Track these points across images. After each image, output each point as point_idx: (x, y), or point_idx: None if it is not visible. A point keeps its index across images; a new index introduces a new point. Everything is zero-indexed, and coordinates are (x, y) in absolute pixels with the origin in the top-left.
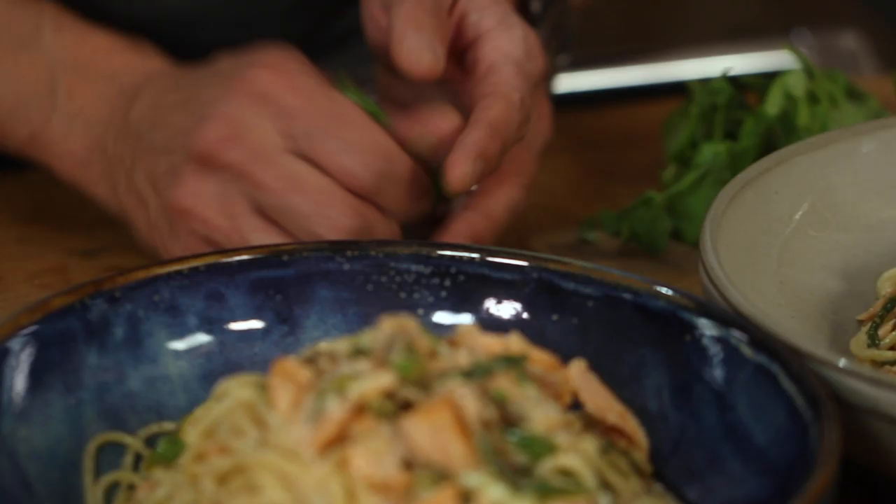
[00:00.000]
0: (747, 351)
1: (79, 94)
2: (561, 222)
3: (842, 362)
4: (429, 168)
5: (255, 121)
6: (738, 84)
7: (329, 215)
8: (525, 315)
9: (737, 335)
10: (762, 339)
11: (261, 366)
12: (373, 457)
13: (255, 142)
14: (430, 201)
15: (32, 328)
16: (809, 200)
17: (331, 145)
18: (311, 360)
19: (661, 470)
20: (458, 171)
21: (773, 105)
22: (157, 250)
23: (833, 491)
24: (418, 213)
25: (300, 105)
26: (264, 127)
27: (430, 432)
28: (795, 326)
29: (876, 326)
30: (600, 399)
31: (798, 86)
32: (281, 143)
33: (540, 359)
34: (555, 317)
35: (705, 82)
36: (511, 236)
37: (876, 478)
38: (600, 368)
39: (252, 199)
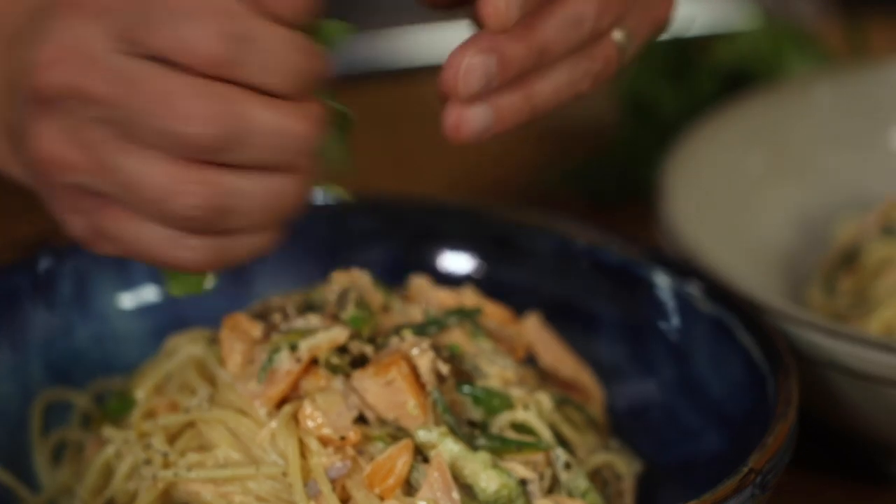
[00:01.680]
0: (703, 303)
1: None
2: (518, 176)
3: (798, 313)
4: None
5: (78, 31)
6: (691, 36)
7: (181, 109)
8: (479, 268)
9: (692, 287)
10: (718, 292)
11: (211, 321)
12: (325, 412)
13: (81, 54)
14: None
15: None
16: (763, 149)
17: (162, 25)
18: (262, 315)
19: (617, 424)
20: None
21: (725, 57)
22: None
23: (790, 444)
24: (309, 82)
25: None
26: (88, 34)
27: (383, 388)
28: (752, 277)
29: (832, 277)
30: (555, 353)
31: (751, 36)
32: (109, 45)
33: (494, 312)
34: (509, 270)
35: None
36: (468, 189)
37: (833, 430)
38: (555, 322)
39: (104, 121)
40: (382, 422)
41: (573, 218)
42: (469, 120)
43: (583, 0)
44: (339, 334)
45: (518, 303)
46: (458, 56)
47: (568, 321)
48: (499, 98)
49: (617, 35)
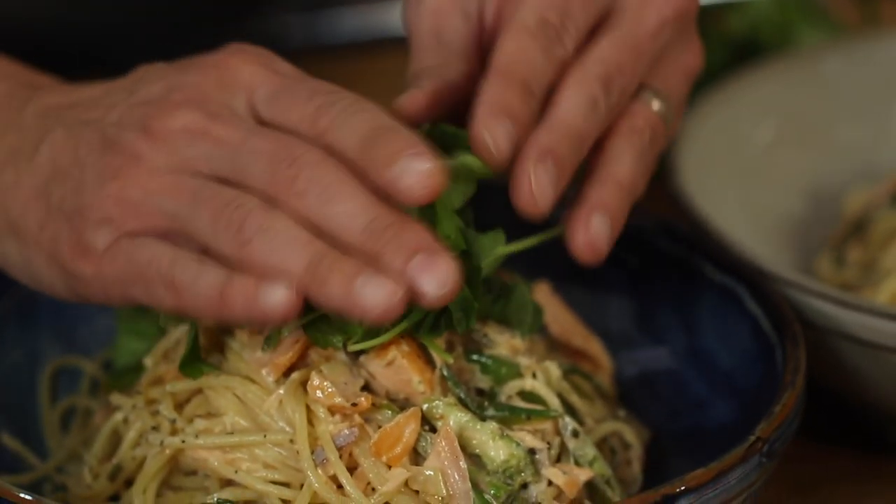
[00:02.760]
0: (712, 272)
1: None
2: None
3: (807, 283)
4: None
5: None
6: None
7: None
8: None
9: (701, 257)
10: (727, 261)
11: None
12: (333, 381)
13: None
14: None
15: None
16: (774, 120)
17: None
18: None
19: (625, 393)
20: (480, 137)
21: (737, 27)
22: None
23: (798, 413)
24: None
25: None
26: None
27: (386, 369)
28: (761, 247)
29: (841, 247)
30: (564, 322)
31: (762, 6)
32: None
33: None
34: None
35: None
36: None
37: (841, 399)
38: (565, 292)
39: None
40: (389, 394)
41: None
42: (598, 236)
43: (589, 82)
44: None
45: (527, 272)
46: (520, 175)
47: (577, 290)
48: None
49: (655, 104)
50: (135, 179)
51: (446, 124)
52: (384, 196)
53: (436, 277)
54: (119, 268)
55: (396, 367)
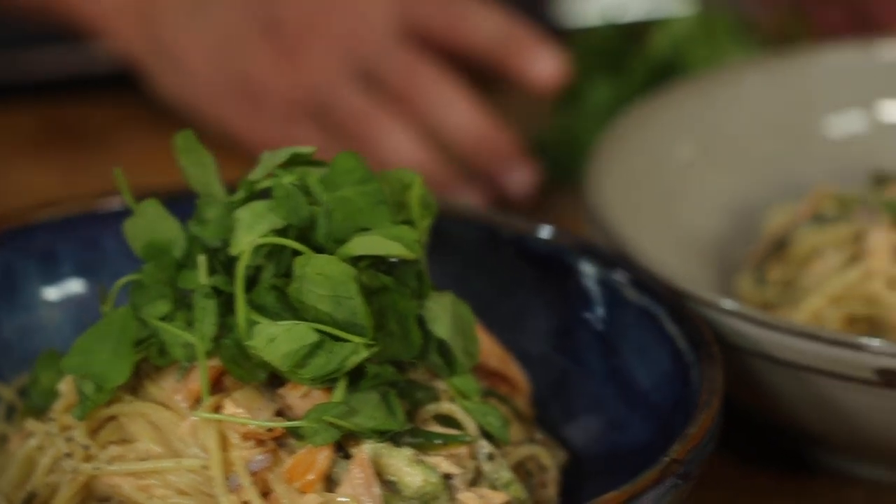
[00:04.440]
0: (630, 293)
1: None
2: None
3: (725, 303)
4: None
5: None
6: (625, 23)
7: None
8: None
9: (619, 277)
10: (645, 281)
11: None
12: (247, 408)
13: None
14: None
15: None
16: (694, 138)
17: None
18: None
19: (543, 414)
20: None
21: (659, 45)
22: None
23: (713, 434)
24: None
25: None
26: None
27: (303, 399)
28: (682, 266)
29: (762, 266)
30: (482, 344)
31: (684, 25)
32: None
33: None
34: (435, 260)
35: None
36: None
37: (762, 419)
38: (482, 312)
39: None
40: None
41: (502, 207)
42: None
43: None
44: None
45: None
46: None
47: (495, 312)
48: None
49: None
50: (287, 67)
51: None
52: None
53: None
54: (273, 138)
55: (313, 398)
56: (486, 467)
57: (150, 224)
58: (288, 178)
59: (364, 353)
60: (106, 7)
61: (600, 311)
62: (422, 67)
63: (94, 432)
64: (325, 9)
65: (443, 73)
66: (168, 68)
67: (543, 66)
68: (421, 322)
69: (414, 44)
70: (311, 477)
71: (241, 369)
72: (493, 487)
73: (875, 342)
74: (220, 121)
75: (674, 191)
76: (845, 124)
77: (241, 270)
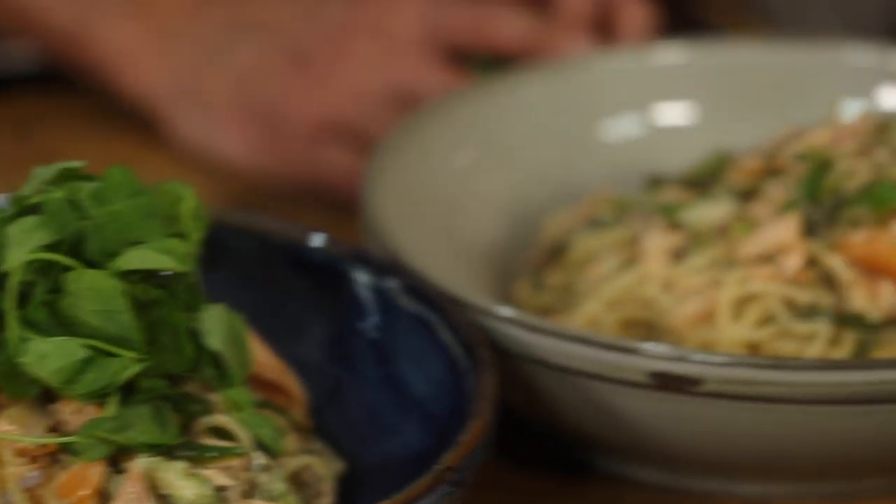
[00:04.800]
0: (404, 300)
1: None
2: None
3: (500, 309)
4: None
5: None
6: None
7: None
8: None
9: (393, 284)
10: (419, 289)
11: None
12: (20, 424)
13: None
14: None
15: None
16: (472, 146)
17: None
18: None
19: (319, 424)
20: None
21: None
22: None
23: (487, 441)
24: None
25: None
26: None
27: (75, 414)
28: (460, 273)
29: (540, 271)
30: (258, 355)
31: None
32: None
33: None
34: (211, 270)
35: None
36: None
37: (540, 424)
38: (257, 323)
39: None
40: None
41: (279, 218)
42: None
43: None
44: None
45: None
46: None
47: (270, 322)
48: None
49: None
50: (318, 92)
51: None
52: None
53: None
54: (301, 162)
55: (86, 413)
56: (261, 479)
57: None
58: (58, 194)
59: (135, 368)
60: (123, 45)
61: (374, 319)
62: (453, 78)
63: None
64: (351, 33)
65: None
66: (189, 107)
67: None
68: (194, 335)
69: (445, 58)
70: (84, 492)
71: (13, 386)
72: (268, 499)
73: (649, 345)
74: (244, 157)
75: (453, 198)
76: (621, 128)
77: (12, 287)
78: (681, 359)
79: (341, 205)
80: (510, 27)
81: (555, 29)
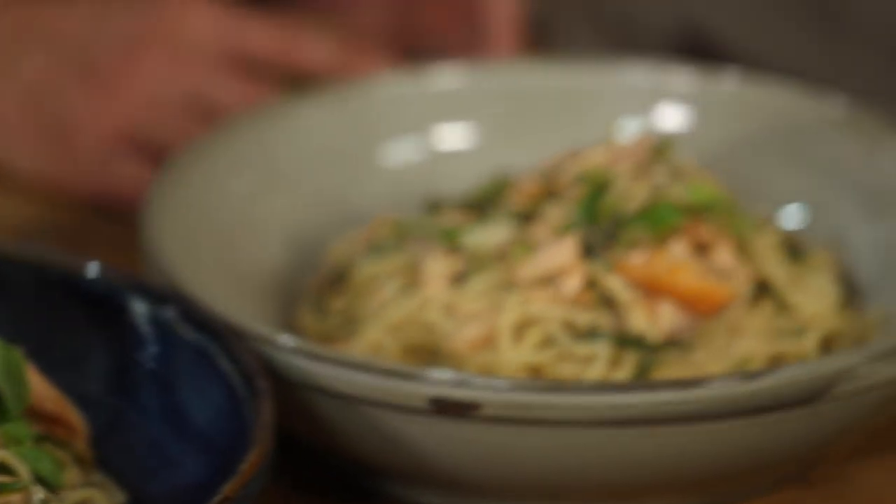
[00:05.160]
0: (183, 330)
1: None
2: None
3: (280, 338)
4: None
5: None
6: None
7: None
8: None
9: (171, 314)
10: (198, 318)
11: None
12: None
13: None
14: None
15: None
16: (254, 171)
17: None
18: None
19: (102, 456)
20: None
21: None
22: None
23: (267, 468)
24: None
25: None
26: None
27: None
28: (243, 301)
29: (322, 297)
30: (37, 389)
31: None
32: None
33: None
34: None
35: None
36: None
37: (327, 451)
38: (38, 355)
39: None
40: None
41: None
42: None
43: None
44: None
45: None
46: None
47: (49, 354)
48: None
49: None
50: (108, 103)
51: None
52: None
53: None
54: (94, 175)
55: None
56: None
57: None
58: None
59: None
60: None
61: (153, 349)
62: (253, 90)
63: None
64: (141, 42)
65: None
66: None
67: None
68: None
69: (245, 70)
70: None
71: None
72: None
73: (428, 371)
74: (37, 171)
75: (234, 224)
76: (401, 152)
77: None
78: (460, 384)
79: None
80: (313, 50)
81: (357, 51)
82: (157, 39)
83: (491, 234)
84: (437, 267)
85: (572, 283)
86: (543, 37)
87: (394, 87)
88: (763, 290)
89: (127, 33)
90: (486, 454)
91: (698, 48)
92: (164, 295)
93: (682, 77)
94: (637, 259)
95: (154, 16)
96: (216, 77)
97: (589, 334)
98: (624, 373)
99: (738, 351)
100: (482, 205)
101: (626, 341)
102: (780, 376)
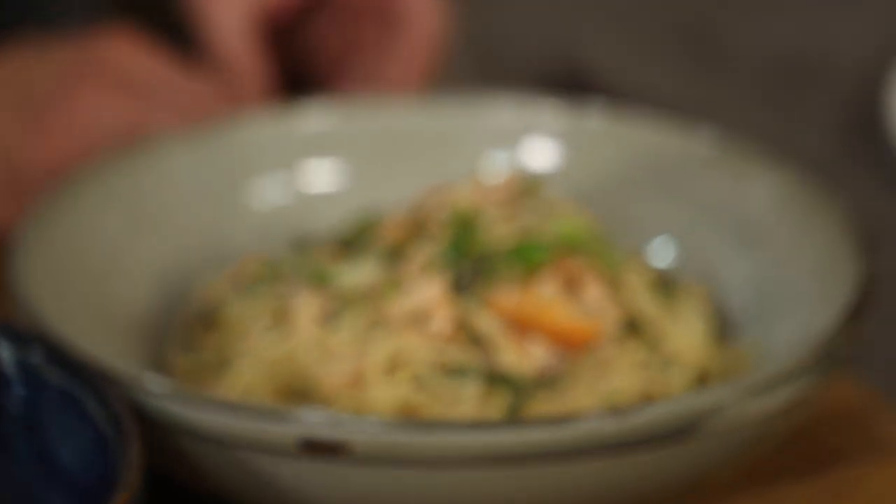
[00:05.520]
0: (50, 373)
1: None
2: None
3: (149, 380)
4: None
5: None
6: None
7: None
8: None
9: (38, 358)
10: (65, 360)
11: None
12: None
13: None
14: None
15: None
16: (123, 213)
17: None
18: None
19: None
20: None
21: None
22: None
23: None
24: None
25: None
26: None
27: None
28: (113, 343)
29: (192, 338)
30: None
31: None
32: None
33: None
34: None
35: None
36: None
37: (204, 494)
38: None
39: None
40: None
41: None
42: None
43: None
44: None
45: None
46: None
47: None
48: None
49: None
50: (49, 139)
51: None
52: None
53: None
54: None
55: None
56: None
57: None
58: None
59: None
60: None
61: (21, 393)
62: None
63: None
64: (78, 79)
65: None
66: None
67: None
68: None
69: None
70: None
71: None
72: None
73: (298, 412)
74: None
75: (103, 266)
76: (270, 192)
77: None
78: (331, 424)
79: None
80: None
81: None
82: (91, 72)
83: (360, 273)
84: (307, 306)
85: (441, 320)
86: None
87: (262, 127)
88: (634, 325)
89: (65, 68)
90: (357, 494)
91: (574, 81)
92: (31, 337)
93: (551, 112)
94: (506, 296)
95: (88, 50)
96: (154, 108)
97: (459, 372)
98: (495, 411)
99: (609, 387)
100: (351, 243)
101: (496, 379)
102: (651, 412)
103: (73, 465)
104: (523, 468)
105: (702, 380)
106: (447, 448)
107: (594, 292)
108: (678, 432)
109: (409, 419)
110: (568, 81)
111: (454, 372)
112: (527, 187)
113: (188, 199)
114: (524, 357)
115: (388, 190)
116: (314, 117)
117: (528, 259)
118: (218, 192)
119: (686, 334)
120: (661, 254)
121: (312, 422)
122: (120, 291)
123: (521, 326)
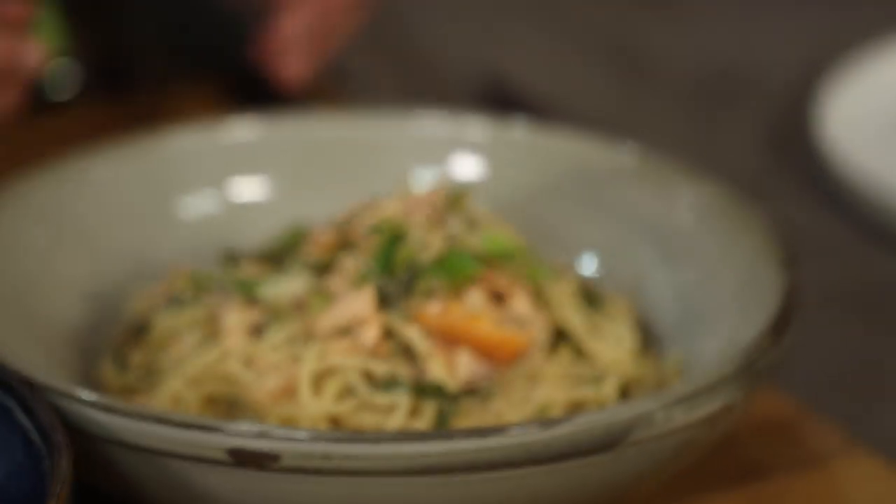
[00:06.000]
0: None
1: None
2: None
3: (79, 392)
4: None
5: None
6: None
7: None
8: None
9: None
10: None
11: None
12: None
13: None
14: None
15: None
16: (48, 225)
17: None
18: None
19: None
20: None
21: None
22: None
23: None
24: None
25: None
26: None
27: None
28: (42, 357)
29: (123, 351)
30: None
31: None
32: None
33: None
34: None
35: None
36: None
37: (127, 502)
38: None
39: None
40: None
41: None
42: None
43: None
44: None
45: None
46: None
47: None
48: None
49: None
50: None
51: None
52: None
53: None
54: None
55: None
56: None
57: None
58: None
59: None
60: None
61: None
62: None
63: None
64: None
65: None
66: None
67: None
68: None
69: None
70: None
71: None
72: None
73: (227, 423)
74: None
75: (32, 280)
76: (198, 205)
77: None
78: (259, 435)
79: None
80: None
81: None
82: None
83: (288, 286)
84: (235, 319)
85: (370, 333)
86: (346, 84)
87: (189, 140)
88: (561, 337)
89: None
90: None
91: (499, 95)
92: None
93: (476, 126)
94: (434, 308)
95: None
96: None
97: (388, 384)
98: (423, 422)
99: (536, 399)
100: (279, 256)
101: (424, 391)
102: (578, 423)
103: (3, 476)
104: (451, 478)
105: (628, 391)
106: (375, 459)
107: (521, 304)
108: (604, 443)
109: (338, 430)
110: (493, 95)
111: (383, 384)
112: (453, 200)
113: (115, 211)
114: (451, 369)
115: (315, 202)
116: (242, 129)
117: (455, 272)
118: (145, 206)
119: (613, 346)
120: (586, 266)
121: (241, 432)
122: (48, 306)
123: (450, 339)
